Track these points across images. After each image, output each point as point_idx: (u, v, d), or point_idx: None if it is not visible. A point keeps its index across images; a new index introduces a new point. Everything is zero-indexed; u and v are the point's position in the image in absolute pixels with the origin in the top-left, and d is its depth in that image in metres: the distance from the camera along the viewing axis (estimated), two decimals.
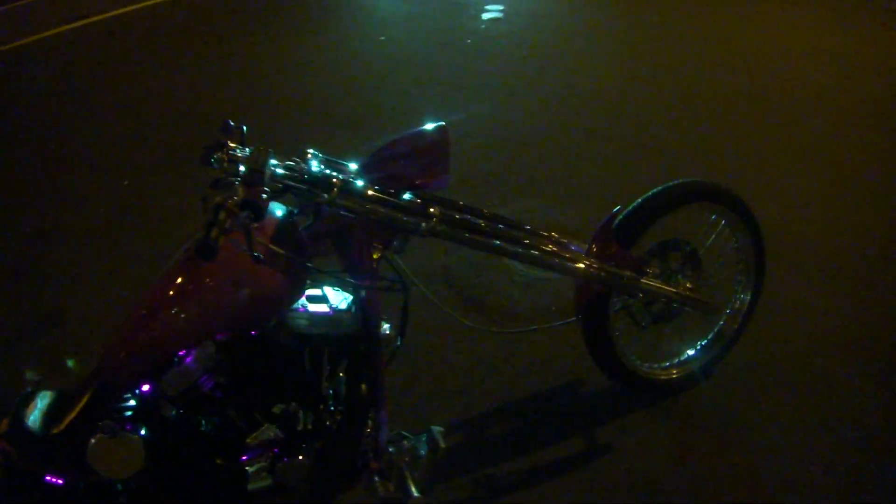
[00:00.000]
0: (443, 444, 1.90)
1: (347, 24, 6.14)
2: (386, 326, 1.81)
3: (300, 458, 1.74)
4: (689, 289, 2.30)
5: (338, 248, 1.74)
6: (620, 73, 5.12)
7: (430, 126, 1.72)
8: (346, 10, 6.32)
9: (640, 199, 2.20)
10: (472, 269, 3.17)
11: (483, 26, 6.00)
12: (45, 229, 3.54)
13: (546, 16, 6.19)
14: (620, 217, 2.17)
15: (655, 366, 2.52)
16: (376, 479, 1.86)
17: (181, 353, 1.56)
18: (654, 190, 2.22)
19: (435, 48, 5.63)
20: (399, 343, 1.86)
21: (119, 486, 1.69)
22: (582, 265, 2.01)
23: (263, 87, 5.04)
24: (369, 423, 1.86)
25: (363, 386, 1.80)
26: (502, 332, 2.78)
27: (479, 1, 6.42)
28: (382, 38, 5.80)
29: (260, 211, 1.37)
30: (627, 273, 2.08)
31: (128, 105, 4.83)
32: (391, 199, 1.65)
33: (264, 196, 1.39)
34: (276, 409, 1.72)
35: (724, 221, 2.40)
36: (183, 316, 1.50)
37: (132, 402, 1.65)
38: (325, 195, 1.58)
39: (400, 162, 1.68)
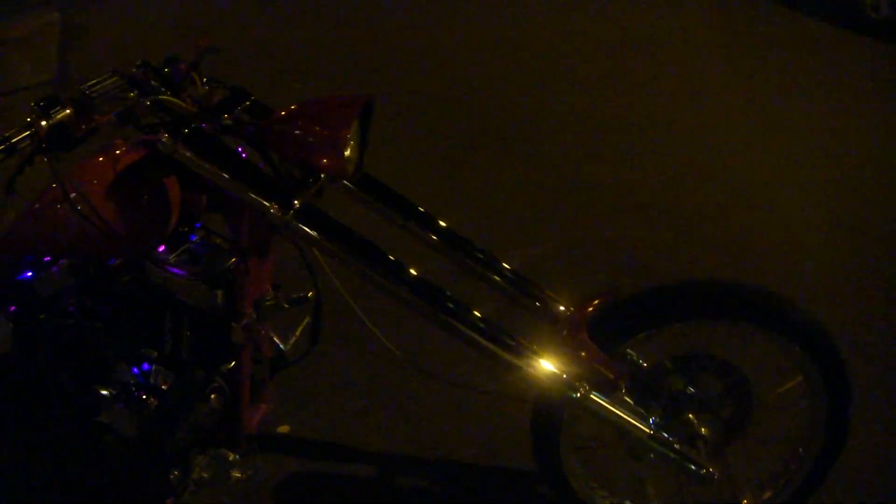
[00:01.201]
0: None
1: None
2: (245, 320, 1.49)
3: (139, 413, 1.53)
4: (695, 437, 1.55)
5: (214, 208, 1.51)
6: None
7: (350, 95, 1.39)
8: None
9: (640, 291, 1.57)
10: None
11: None
12: None
13: None
14: (603, 306, 1.53)
15: (607, 495, 1.80)
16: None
17: (46, 259, 1.47)
18: (671, 284, 1.56)
19: None
20: (312, 348, 1.60)
21: None
22: (506, 353, 1.40)
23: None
24: (202, 415, 1.56)
25: (199, 371, 1.55)
26: (433, 375, 2.20)
27: None
28: None
29: (67, 143, 1.27)
30: (575, 382, 1.42)
31: None
32: (247, 166, 1.35)
33: (84, 126, 1.27)
34: (143, 355, 1.55)
35: (799, 373, 1.60)
36: (44, 224, 1.45)
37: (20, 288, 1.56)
38: (169, 141, 1.32)
39: (290, 127, 1.35)
